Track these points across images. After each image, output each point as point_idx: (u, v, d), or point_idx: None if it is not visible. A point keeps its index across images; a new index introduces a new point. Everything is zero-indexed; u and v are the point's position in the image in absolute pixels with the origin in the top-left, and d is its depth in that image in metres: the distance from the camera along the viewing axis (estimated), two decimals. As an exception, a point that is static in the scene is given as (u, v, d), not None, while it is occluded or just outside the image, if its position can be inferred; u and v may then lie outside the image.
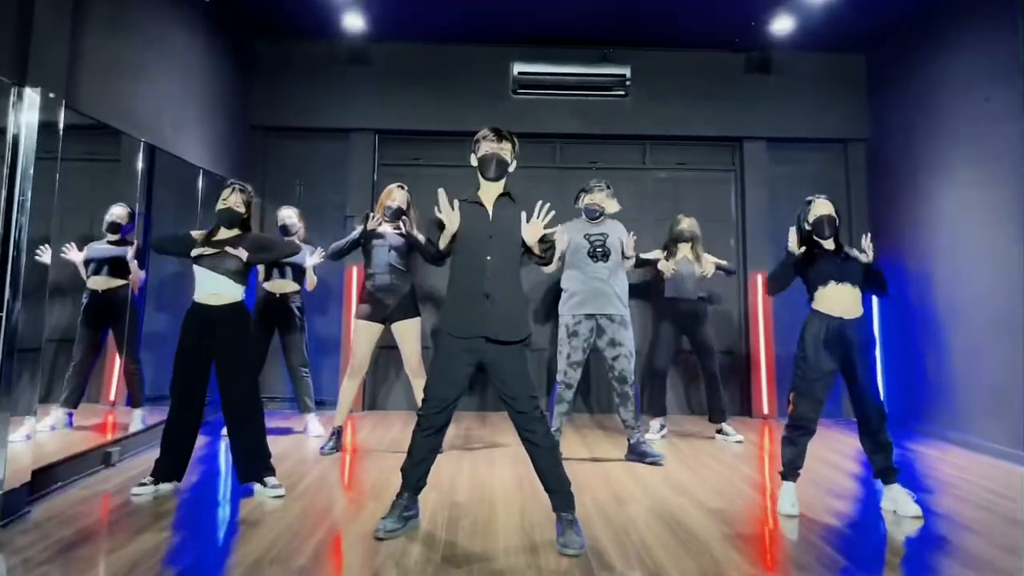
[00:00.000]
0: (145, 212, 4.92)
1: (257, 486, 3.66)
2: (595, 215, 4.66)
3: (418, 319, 4.77)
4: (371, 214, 4.73)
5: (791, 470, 3.52)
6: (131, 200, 4.69)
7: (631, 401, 4.54)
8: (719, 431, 5.41)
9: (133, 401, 4.81)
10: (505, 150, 3.20)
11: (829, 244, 3.59)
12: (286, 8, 5.99)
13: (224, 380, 3.66)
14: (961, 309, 5.39)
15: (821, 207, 3.61)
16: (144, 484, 3.56)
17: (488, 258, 3.09)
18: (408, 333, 4.71)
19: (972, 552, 2.95)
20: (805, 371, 3.49)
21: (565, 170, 6.71)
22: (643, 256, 5.41)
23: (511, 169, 3.24)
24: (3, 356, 3.12)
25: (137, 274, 4.70)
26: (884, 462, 3.51)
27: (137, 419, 4.76)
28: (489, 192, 3.22)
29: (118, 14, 4.35)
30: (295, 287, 5.29)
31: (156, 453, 3.69)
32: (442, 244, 3.16)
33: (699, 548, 2.95)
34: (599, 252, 4.56)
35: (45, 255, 3.42)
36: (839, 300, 3.49)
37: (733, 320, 6.71)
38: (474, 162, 3.26)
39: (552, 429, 3.86)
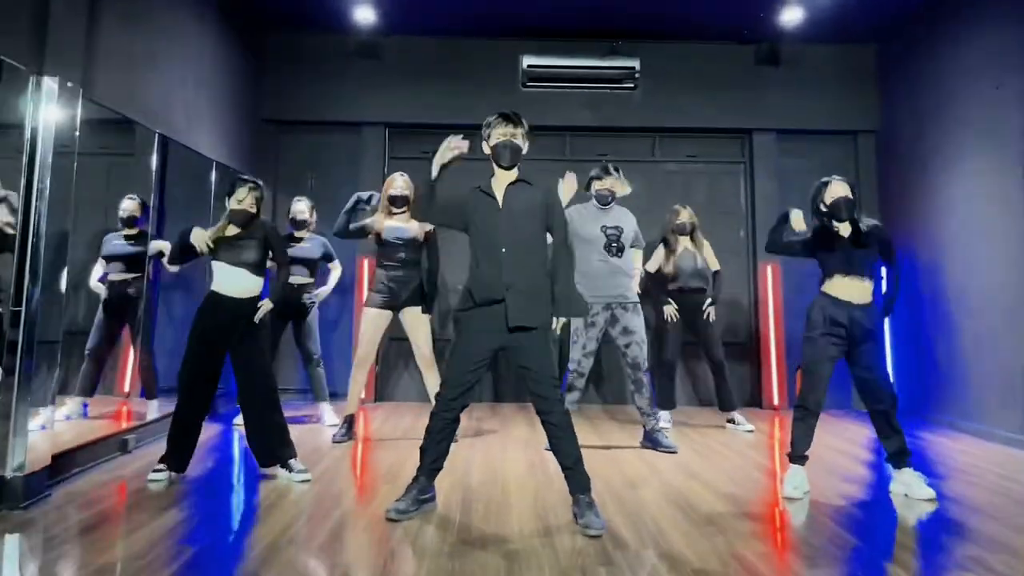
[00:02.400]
0: (159, 205, 4.98)
1: (281, 471, 3.70)
2: (607, 200, 4.67)
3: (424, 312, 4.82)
4: (374, 196, 4.83)
5: (798, 453, 3.54)
6: (145, 192, 4.75)
7: (646, 388, 4.56)
8: (730, 420, 5.42)
9: (149, 393, 4.86)
10: (518, 135, 3.21)
11: (845, 228, 3.53)
12: (298, 1, 6.03)
13: (245, 370, 3.70)
14: (972, 298, 5.38)
15: (838, 188, 3.53)
16: (159, 470, 3.60)
17: (503, 249, 3.09)
18: (417, 321, 4.76)
19: (986, 533, 2.95)
20: (811, 352, 3.52)
21: (575, 162, 6.71)
22: (648, 270, 5.50)
23: (525, 151, 3.25)
24: (23, 346, 3.17)
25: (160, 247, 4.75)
26: (896, 446, 3.52)
27: (153, 409, 4.81)
28: (501, 180, 3.22)
29: (132, 4, 4.39)
30: (309, 279, 5.33)
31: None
32: (433, 173, 3.11)
33: (712, 530, 2.97)
34: (615, 247, 4.55)
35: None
36: (847, 290, 3.49)
37: (743, 311, 6.72)
38: (486, 150, 3.26)
39: None
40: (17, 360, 3.14)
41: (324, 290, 5.52)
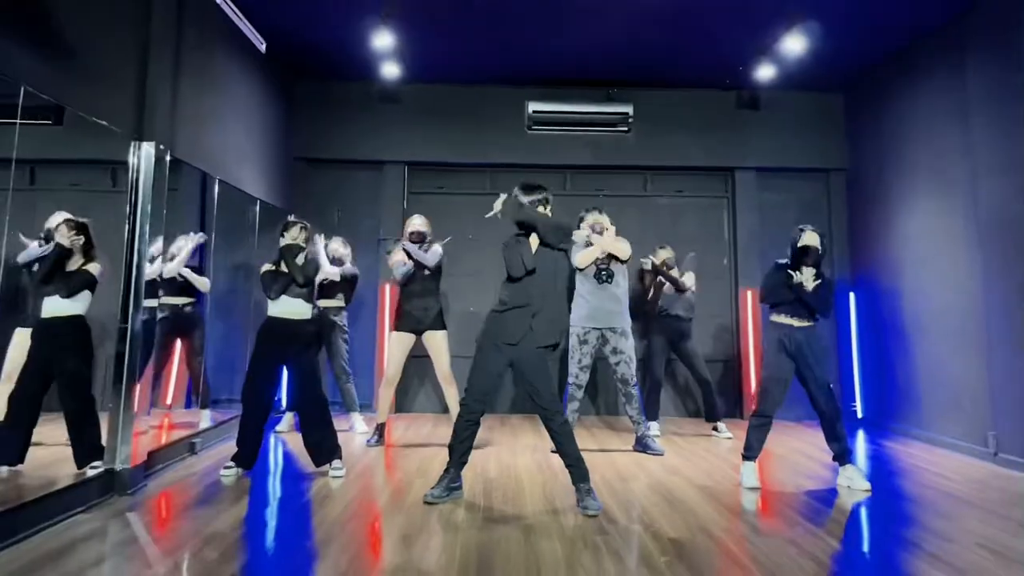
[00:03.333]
0: (209, 236, 5.72)
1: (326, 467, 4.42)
2: (601, 233, 5.39)
3: (446, 332, 5.53)
4: (401, 240, 5.57)
5: (751, 452, 4.30)
6: (193, 225, 5.51)
7: (635, 399, 5.29)
8: (714, 428, 6.14)
9: (203, 402, 5.57)
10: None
11: (810, 271, 4.26)
12: (327, 52, 6.81)
13: (300, 384, 4.42)
14: (925, 321, 6.12)
15: (809, 238, 4.31)
16: (230, 467, 4.30)
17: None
18: (439, 344, 5.47)
19: (908, 514, 3.69)
20: (767, 374, 4.32)
21: (575, 197, 7.47)
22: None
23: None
24: (129, 360, 3.89)
25: (202, 281, 5.52)
26: (840, 447, 4.26)
27: (206, 418, 5.52)
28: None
29: (199, 69, 5.14)
30: (337, 303, 6.06)
31: (229, 443, 4.44)
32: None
33: (685, 509, 3.70)
34: (604, 275, 5.30)
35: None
36: (790, 318, 4.30)
37: (727, 332, 7.45)
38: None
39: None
40: (124, 371, 3.87)
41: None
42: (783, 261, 4.40)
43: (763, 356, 4.38)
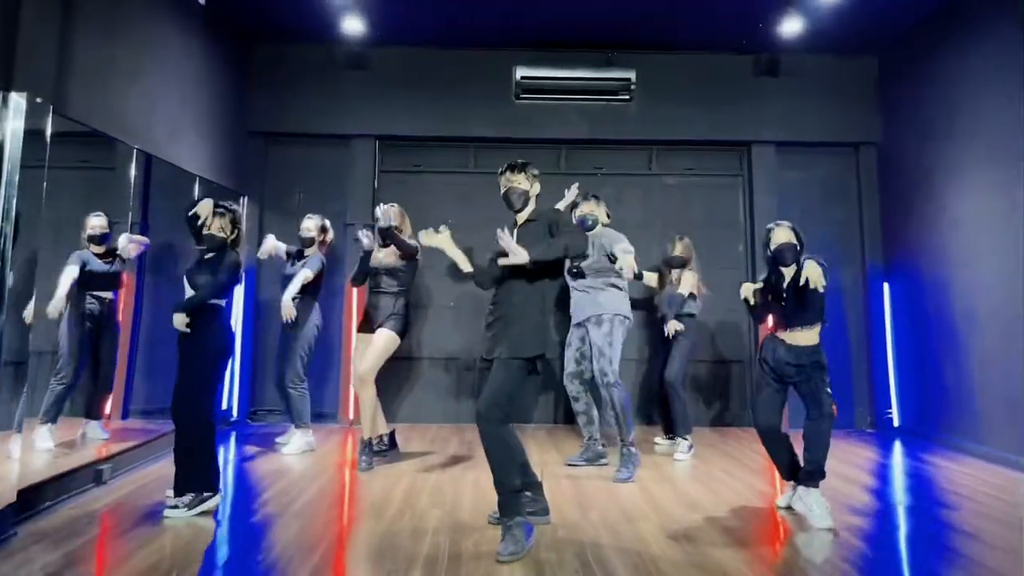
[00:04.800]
0: (141, 221, 4.83)
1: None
2: (589, 226, 4.66)
3: (393, 333, 4.67)
4: (369, 232, 4.80)
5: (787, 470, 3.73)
6: (124, 208, 4.61)
7: (606, 404, 4.54)
8: (669, 439, 5.30)
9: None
10: (516, 180, 3.34)
11: (790, 270, 3.67)
12: (283, 11, 5.89)
13: None
14: (977, 315, 5.23)
15: (780, 235, 3.70)
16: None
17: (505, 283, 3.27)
18: (376, 339, 4.65)
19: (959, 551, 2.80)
20: (759, 384, 3.79)
21: (571, 176, 6.53)
22: (645, 277, 5.30)
23: (533, 192, 3.40)
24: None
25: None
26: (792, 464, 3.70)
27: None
28: (517, 222, 3.41)
29: (109, 17, 4.23)
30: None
31: (149, 468, 3.56)
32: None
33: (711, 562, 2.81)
34: (575, 271, 4.62)
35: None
36: (794, 336, 3.66)
37: (742, 331, 6.56)
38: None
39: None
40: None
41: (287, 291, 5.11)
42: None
43: (758, 366, 3.85)
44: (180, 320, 3.48)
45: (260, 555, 2.95)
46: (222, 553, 3.04)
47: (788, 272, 3.67)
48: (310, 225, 5.29)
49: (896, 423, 6.17)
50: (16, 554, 2.91)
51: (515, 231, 3.35)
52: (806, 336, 3.63)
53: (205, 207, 3.70)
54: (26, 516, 3.32)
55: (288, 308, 4.99)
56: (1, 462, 3.13)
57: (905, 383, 6.14)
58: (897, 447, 5.52)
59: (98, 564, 2.83)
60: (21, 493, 3.23)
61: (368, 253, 4.75)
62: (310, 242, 5.25)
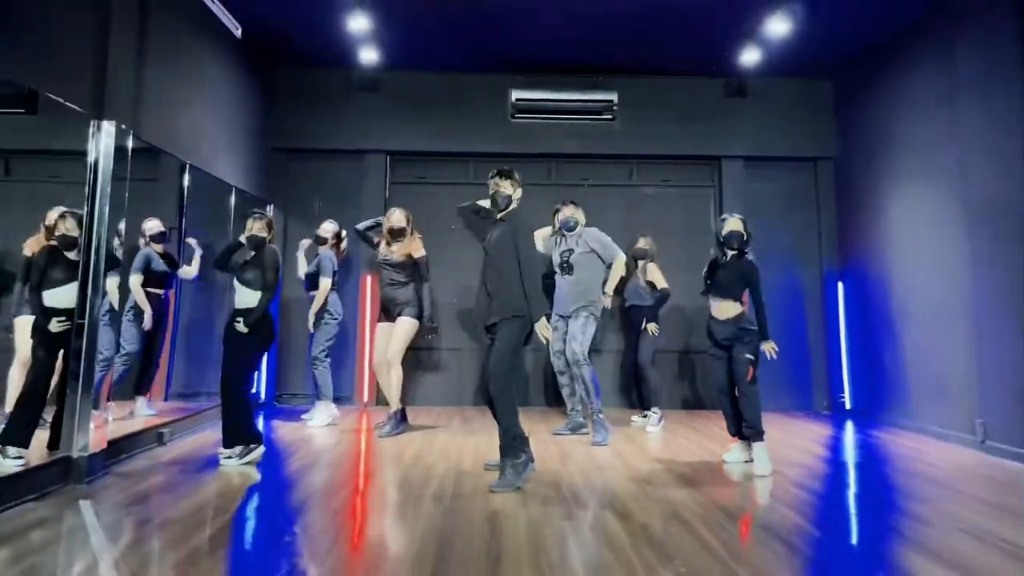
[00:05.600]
0: (178, 225, 5.59)
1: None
2: (571, 227, 5.58)
3: (412, 319, 5.54)
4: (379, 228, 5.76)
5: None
6: (168, 213, 5.42)
7: (578, 381, 5.30)
8: (644, 415, 6.10)
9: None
10: (503, 185, 4.08)
11: (735, 254, 4.46)
12: (304, 40, 6.68)
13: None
14: (913, 310, 6.01)
15: (732, 224, 4.50)
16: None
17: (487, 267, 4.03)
18: (398, 327, 5.53)
19: (892, 502, 3.58)
20: (707, 359, 4.63)
21: (560, 187, 7.35)
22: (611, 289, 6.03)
23: (516, 196, 4.09)
24: (86, 353, 3.77)
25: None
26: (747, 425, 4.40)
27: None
28: (496, 217, 4.18)
29: (168, 52, 5.02)
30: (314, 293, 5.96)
31: (199, 435, 4.32)
32: None
33: (660, 497, 3.58)
34: (565, 266, 5.58)
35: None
36: (719, 308, 4.46)
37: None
38: None
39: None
40: (81, 365, 3.75)
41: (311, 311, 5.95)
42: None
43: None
44: (244, 327, 4.25)
45: (300, 490, 3.72)
46: (270, 488, 3.81)
47: (729, 255, 4.45)
48: (329, 228, 6.10)
49: (848, 406, 6.95)
50: (111, 487, 3.68)
51: (494, 226, 4.09)
52: (727, 308, 4.40)
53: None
54: (113, 461, 4.11)
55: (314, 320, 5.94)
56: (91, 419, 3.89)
57: (856, 371, 6.91)
58: (848, 426, 6.26)
59: (177, 495, 3.59)
60: (110, 443, 4.01)
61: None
62: (323, 241, 6.04)
